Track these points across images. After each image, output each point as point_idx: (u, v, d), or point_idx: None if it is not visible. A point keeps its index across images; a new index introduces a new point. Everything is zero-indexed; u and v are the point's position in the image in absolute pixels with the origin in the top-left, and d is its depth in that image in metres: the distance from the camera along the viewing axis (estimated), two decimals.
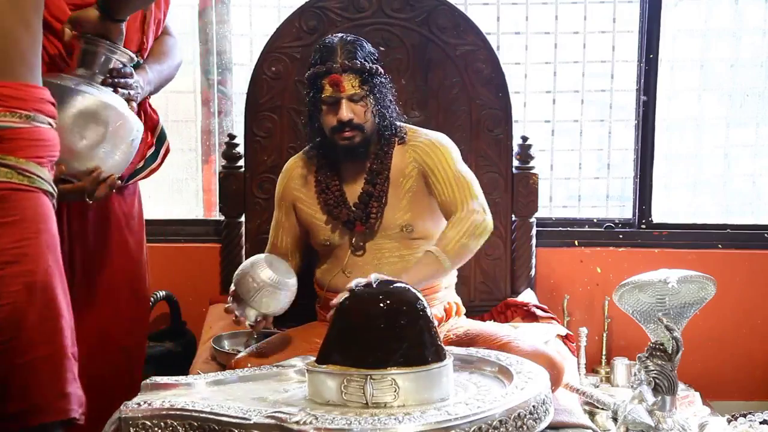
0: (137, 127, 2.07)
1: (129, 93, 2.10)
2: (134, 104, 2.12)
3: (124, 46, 2.08)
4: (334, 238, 2.42)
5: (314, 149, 2.48)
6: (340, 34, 2.39)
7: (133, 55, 2.11)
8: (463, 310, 2.52)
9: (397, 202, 2.39)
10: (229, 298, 2.27)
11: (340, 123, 2.31)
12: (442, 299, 2.43)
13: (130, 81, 2.11)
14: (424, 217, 2.40)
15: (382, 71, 2.38)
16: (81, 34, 2.00)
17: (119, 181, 2.15)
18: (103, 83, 2.04)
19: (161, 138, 2.43)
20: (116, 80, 2.06)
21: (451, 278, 2.49)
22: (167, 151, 2.45)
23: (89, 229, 2.29)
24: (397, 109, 2.43)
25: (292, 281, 2.30)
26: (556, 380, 2.12)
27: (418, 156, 2.39)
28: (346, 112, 2.30)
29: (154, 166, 2.41)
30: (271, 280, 2.23)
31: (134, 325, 2.44)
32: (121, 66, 2.07)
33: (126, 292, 2.39)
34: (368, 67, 2.32)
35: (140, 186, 2.50)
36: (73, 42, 2.04)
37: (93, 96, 1.96)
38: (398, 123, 2.43)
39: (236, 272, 2.28)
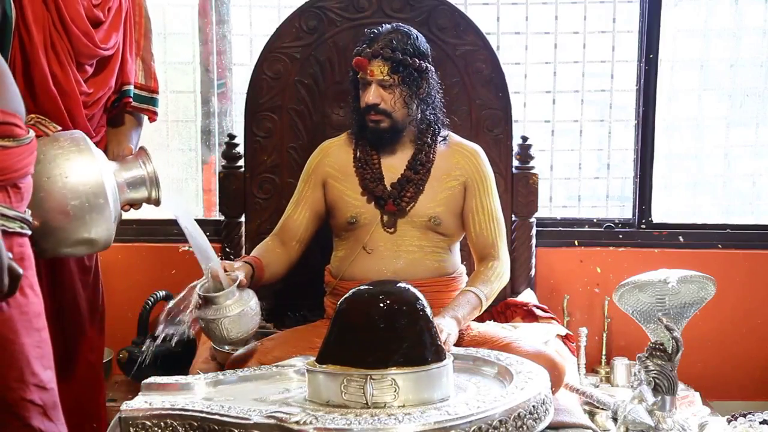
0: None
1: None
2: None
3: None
4: (362, 215, 2.44)
5: (354, 131, 2.52)
6: (395, 24, 2.45)
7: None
8: None
9: (434, 194, 2.45)
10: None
11: (366, 105, 2.38)
12: None
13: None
14: (452, 217, 2.46)
15: (426, 67, 2.41)
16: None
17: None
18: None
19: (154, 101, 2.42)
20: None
21: (465, 280, 2.52)
22: (154, 115, 2.43)
23: None
24: (442, 109, 2.49)
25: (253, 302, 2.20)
26: (556, 382, 2.14)
27: (467, 167, 2.48)
28: (372, 96, 2.36)
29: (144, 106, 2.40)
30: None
31: (96, 340, 2.40)
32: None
33: (85, 305, 2.33)
34: (399, 58, 2.34)
35: None
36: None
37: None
38: (439, 124, 2.49)
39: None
